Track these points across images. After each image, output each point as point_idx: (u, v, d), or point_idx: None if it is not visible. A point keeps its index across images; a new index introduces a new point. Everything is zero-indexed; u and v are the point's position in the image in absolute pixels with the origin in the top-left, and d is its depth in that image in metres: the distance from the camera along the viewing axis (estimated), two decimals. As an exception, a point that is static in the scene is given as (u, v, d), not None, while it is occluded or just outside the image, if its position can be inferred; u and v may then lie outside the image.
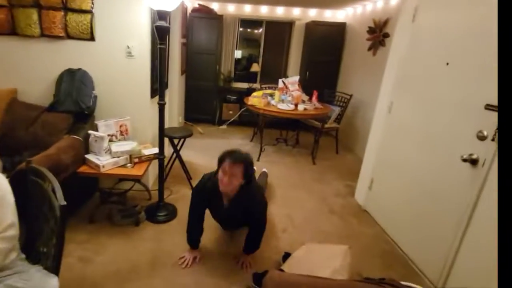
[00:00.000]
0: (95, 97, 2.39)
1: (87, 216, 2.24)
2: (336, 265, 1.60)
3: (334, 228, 2.49)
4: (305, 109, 3.63)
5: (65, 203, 1.04)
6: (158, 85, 2.18)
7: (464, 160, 1.68)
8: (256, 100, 3.75)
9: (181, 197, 2.72)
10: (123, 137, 2.42)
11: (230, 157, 1.71)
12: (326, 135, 4.96)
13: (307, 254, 1.80)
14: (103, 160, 2.12)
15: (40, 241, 1.16)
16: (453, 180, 1.82)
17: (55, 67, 2.32)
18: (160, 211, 2.39)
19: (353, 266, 1.75)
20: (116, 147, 2.21)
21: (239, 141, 4.54)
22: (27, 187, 1.21)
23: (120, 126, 2.40)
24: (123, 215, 2.30)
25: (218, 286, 1.79)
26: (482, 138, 1.59)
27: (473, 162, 1.64)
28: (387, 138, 2.60)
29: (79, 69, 2.34)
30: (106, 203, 2.27)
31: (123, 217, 2.28)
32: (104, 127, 2.28)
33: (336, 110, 4.17)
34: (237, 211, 1.88)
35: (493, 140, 1.54)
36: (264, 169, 3.17)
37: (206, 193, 1.89)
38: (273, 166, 3.58)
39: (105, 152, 2.18)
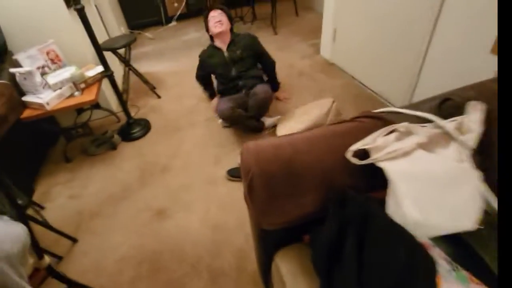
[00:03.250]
0: (-2, 27, 1.99)
1: (62, 157, 2.19)
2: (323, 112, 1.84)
3: (305, 88, 2.49)
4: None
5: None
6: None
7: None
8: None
9: (150, 109, 2.62)
10: (57, 65, 2.14)
11: (211, 9, 2.12)
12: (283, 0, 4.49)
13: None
14: (45, 97, 1.91)
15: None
16: (416, 9, 1.70)
17: None
18: (132, 129, 2.33)
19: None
20: (52, 78, 1.96)
21: (195, 33, 4.11)
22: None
23: (48, 54, 2.09)
24: (97, 144, 2.25)
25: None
26: None
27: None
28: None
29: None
30: (74, 139, 2.18)
31: (97, 146, 2.24)
32: (27, 60, 1.96)
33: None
34: (238, 50, 2.08)
35: None
36: None
37: (206, 52, 2.19)
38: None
39: (43, 88, 1.96)
